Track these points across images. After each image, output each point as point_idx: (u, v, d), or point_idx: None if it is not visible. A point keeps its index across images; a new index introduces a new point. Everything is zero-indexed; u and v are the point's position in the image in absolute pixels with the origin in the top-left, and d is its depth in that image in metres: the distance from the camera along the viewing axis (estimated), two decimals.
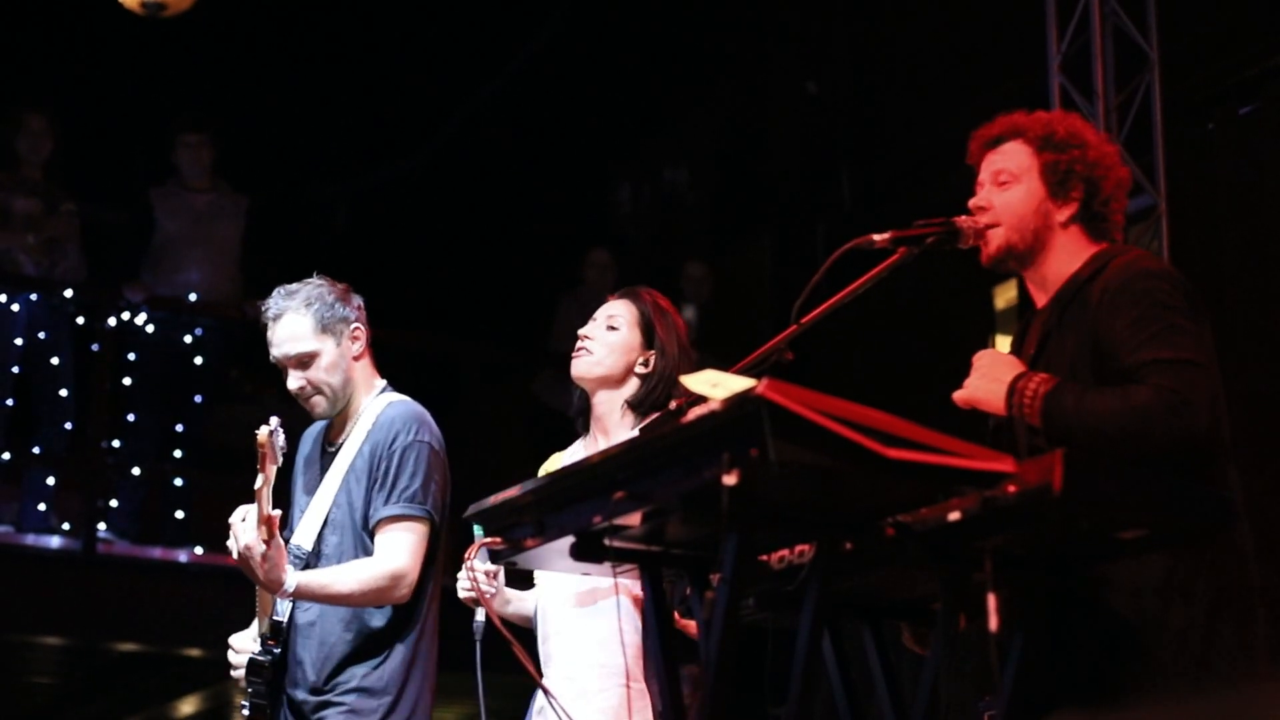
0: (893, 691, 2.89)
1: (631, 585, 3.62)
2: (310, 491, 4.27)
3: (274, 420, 3.96)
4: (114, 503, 8.20)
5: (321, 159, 11.41)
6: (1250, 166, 7.40)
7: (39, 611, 8.00)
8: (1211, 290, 4.32)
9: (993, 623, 2.51)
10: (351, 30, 11.23)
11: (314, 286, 4.26)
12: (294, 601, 4.13)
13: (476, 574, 3.65)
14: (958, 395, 3.13)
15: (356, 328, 4.27)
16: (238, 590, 4.50)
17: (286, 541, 4.07)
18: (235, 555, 3.95)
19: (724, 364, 3.00)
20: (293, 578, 3.97)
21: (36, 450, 8.04)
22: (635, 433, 3.52)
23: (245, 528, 3.91)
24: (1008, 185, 3.24)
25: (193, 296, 8.30)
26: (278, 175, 10.46)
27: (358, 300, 4.32)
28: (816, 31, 10.26)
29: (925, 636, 3.06)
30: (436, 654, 4.20)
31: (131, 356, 8.32)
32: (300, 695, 4.13)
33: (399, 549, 4.08)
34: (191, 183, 8.46)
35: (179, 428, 8.32)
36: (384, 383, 4.34)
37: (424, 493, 4.12)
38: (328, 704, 4.10)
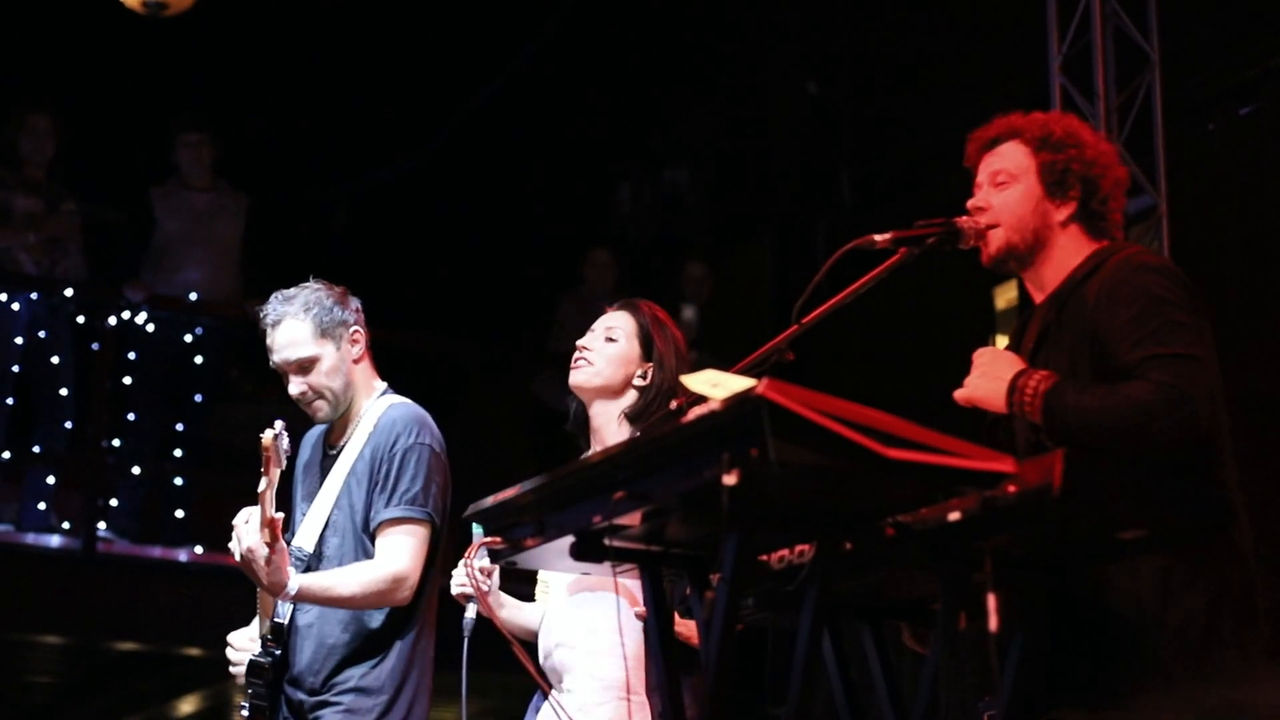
0: (893, 691, 2.89)
1: (633, 594, 3.61)
2: (311, 494, 4.27)
3: (279, 424, 3.96)
4: (114, 502, 8.19)
5: (321, 159, 11.39)
6: (1250, 166, 7.40)
7: (39, 611, 7.99)
8: (1211, 290, 4.32)
9: (993, 623, 2.51)
10: (351, 30, 11.22)
11: (312, 291, 4.24)
12: (294, 604, 4.13)
13: (473, 570, 3.64)
14: (958, 394, 3.14)
15: (355, 331, 4.27)
16: (238, 590, 4.50)
17: (288, 544, 4.08)
18: (238, 557, 3.95)
19: (724, 364, 2.99)
20: (295, 580, 3.97)
21: (36, 449, 8.03)
22: None
23: (248, 530, 3.91)
24: (1005, 186, 3.24)
25: (193, 296, 8.30)
26: (278, 175, 10.44)
27: (356, 303, 4.31)
28: (816, 31, 10.25)
29: (925, 636, 3.05)
30: (434, 654, 4.20)
31: (132, 356, 8.31)
32: (299, 696, 4.13)
33: (400, 552, 4.08)
34: (192, 182, 8.45)
35: (179, 427, 8.31)
36: (384, 385, 4.34)
37: (425, 495, 4.12)
38: (325, 704, 4.10)
